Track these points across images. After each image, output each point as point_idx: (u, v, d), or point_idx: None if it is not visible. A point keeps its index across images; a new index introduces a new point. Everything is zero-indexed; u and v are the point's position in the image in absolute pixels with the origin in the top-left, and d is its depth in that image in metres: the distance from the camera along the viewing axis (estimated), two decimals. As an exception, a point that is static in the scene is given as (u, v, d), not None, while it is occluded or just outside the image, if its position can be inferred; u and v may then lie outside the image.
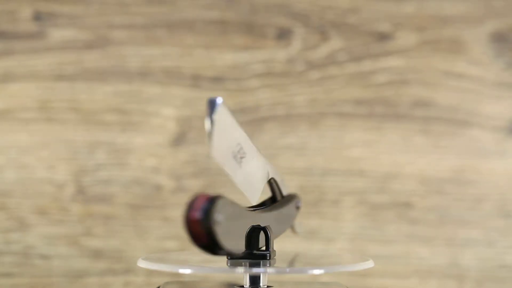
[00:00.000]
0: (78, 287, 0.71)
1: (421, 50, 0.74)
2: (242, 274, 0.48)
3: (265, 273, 0.48)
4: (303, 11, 0.73)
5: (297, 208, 0.55)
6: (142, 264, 0.47)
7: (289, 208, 0.53)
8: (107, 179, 0.72)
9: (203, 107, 0.72)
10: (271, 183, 0.52)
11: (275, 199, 0.53)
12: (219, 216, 0.41)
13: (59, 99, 0.72)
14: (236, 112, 0.73)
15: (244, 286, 0.48)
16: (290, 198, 0.54)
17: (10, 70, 0.72)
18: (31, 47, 0.72)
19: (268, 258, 0.47)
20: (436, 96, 0.73)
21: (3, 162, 0.72)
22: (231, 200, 0.43)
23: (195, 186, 0.72)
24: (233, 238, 0.43)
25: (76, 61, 0.72)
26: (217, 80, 0.73)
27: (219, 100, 0.42)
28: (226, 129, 0.43)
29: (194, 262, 0.49)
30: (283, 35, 0.73)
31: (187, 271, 0.45)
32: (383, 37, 0.74)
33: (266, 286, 0.48)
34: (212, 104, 0.41)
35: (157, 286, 0.53)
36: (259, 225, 0.47)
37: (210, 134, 0.41)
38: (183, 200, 0.71)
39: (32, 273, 0.71)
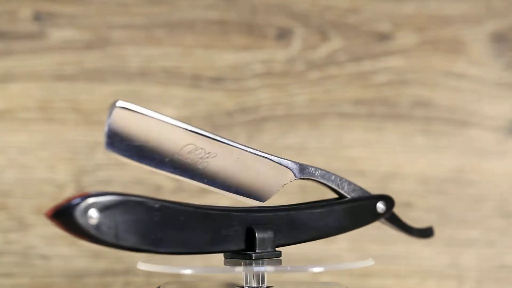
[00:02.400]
0: (78, 287, 0.71)
1: (421, 50, 0.74)
2: (241, 273, 0.48)
3: (263, 272, 0.48)
4: (303, 11, 0.73)
5: (374, 210, 0.52)
6: (142, 266, 0.47)
7: (339, 210, 0.51)
8: (107, 179, 0.72)
9: (203, 107, 0.73)
10: (324, 185, 0.51)
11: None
12: (75, 214, 0.42)
13: (59, 99, 0.72)
14: (236, 112, 0.73)
15: (244, 286, 0.48)
16: (353, 200, 0.51)
17: (10, 70, 0.72)
18: (31, 47, 0.72)
19: (251, 258, 0.47)
20: (436, 96, 0.73)
21: (3, 162, 0.72)
22: (124, 199, 0.43)
23: (194, 186, 0.72)
24: (113, 235, 0.43)
25: (76, 61, 0.72)
26: (217, 80, 0.73)
27: (118, 104, 0.43)
28: (141, 132, 0.44)
29: (194, 262, 0.49)
30: (283, 35, 0.73)
31: (187, 271, 0.45)
32: (383, 37, 0.74)
33: (266, 286, 0.48)
34: (110, 109, 0.43)
35: (157, 286, 0.53)
36: (252, 224, 0.47)
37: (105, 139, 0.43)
38: (183, 200, 0.71)
39: (32, 273, 0.71)
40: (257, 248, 0.47)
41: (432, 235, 0.56)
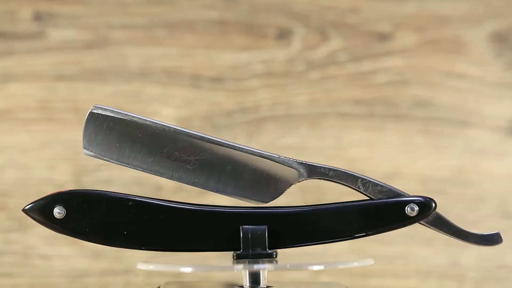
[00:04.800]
0: (78, 287, 0.71)
1: (421, 50, 0.74)
2: (240, 272, 0.48)
3: (260, 271, 0.48)
4: (303, 11, 0.73)
5: (403, 213, 0.49)
6: (142, 266, 0.47)
7: (354, 212, 0.50)
8: (107, 179, 0.72)
9: (203, 107, 0.73)
10: (345, 185, 0.51)
11: None
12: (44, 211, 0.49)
13: (59, 99, 0.72)
14: (236, 112, 0.73)
15: (244, 286, 0.48)
16: (374, 202, 0.49)
17: (10, 70, 0.72)
18: (31, 47, 0.72)
19: (240, 257, 0.47)
20: (436, 96, 0.73)
21: (3, 162, 0.72)
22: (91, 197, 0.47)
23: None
24: (84, 229, 0.47)
25: (76, 61, 0.72)
26: (217, 80, 0.73)
27: (93, 107, 0.46)
28: (120, 134, 0.46)
29: (194, 261, 0.49)
30: (283, 35, 0.73)
31: (187, 269, 0.45)
32: (383, 37, 0.74)
33: (266, 286, 0.48)
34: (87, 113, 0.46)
35: (157, 286, 0.53)
36: (242, 224, 0.47)
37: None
38: (183, 200, 0.71)
39: (32, 273, 0.71)
40: (242, 248, 0.47)
41: (500, 242, 0.52)
